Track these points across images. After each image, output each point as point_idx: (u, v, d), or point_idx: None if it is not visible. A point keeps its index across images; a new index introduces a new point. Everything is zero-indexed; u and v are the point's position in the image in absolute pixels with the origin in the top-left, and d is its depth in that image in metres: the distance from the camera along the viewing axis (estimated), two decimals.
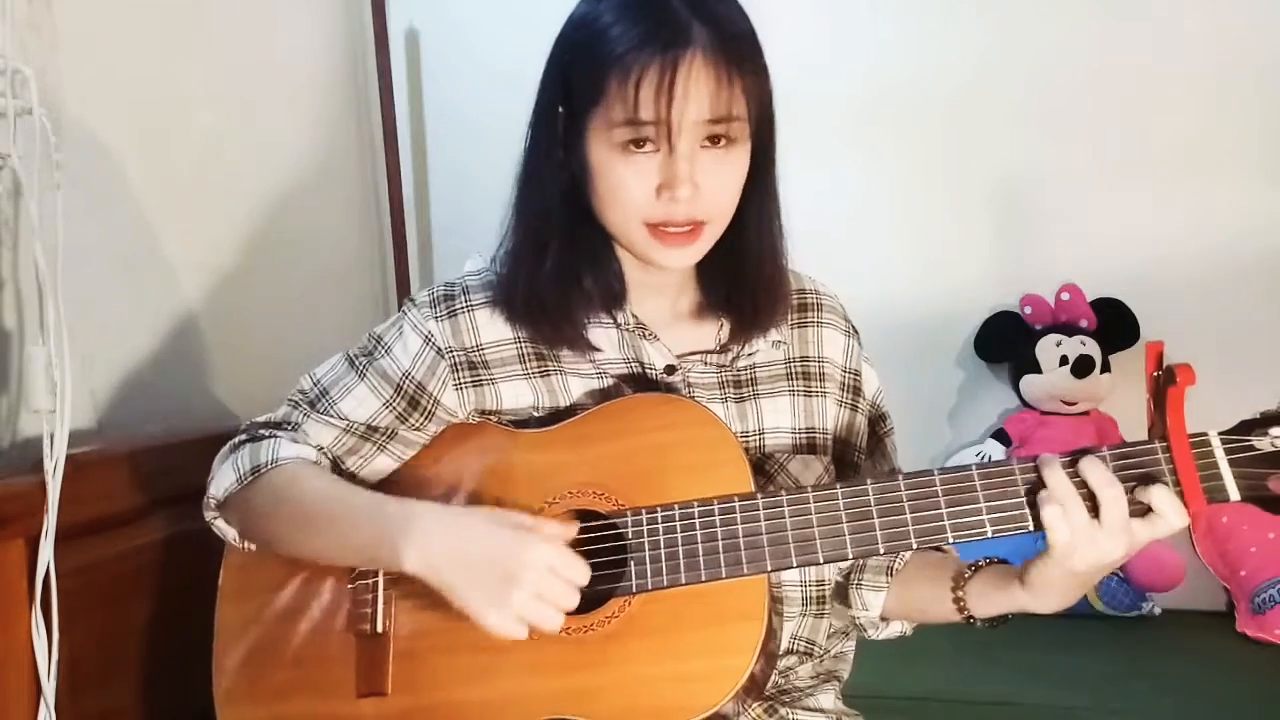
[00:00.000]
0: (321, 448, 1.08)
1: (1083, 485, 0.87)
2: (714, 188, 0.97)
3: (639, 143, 0.94)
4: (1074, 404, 2.08)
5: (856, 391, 1.14)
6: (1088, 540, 0.87)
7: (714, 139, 0.95)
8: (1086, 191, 2.10)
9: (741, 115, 0.95)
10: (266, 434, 1.08)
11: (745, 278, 1.05)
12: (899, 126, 2.16)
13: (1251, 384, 1.79)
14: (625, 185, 0.96)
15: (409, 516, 0.96)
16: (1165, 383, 0.87)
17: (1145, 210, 2.08)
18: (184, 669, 1.12)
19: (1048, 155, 2.12)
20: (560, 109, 0.99)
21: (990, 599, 1.00)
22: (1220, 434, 0.87)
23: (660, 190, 0.95)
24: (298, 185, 1.88)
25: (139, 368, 1.42)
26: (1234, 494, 0.86)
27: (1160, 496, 0.86)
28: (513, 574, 0.90)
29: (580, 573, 0.92)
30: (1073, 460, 0.88)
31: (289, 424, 1.09)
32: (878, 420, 1.17)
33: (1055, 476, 0.88)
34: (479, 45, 2.27)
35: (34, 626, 1.06)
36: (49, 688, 1.06)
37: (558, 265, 1.02)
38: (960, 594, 1.01)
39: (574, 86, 0.97)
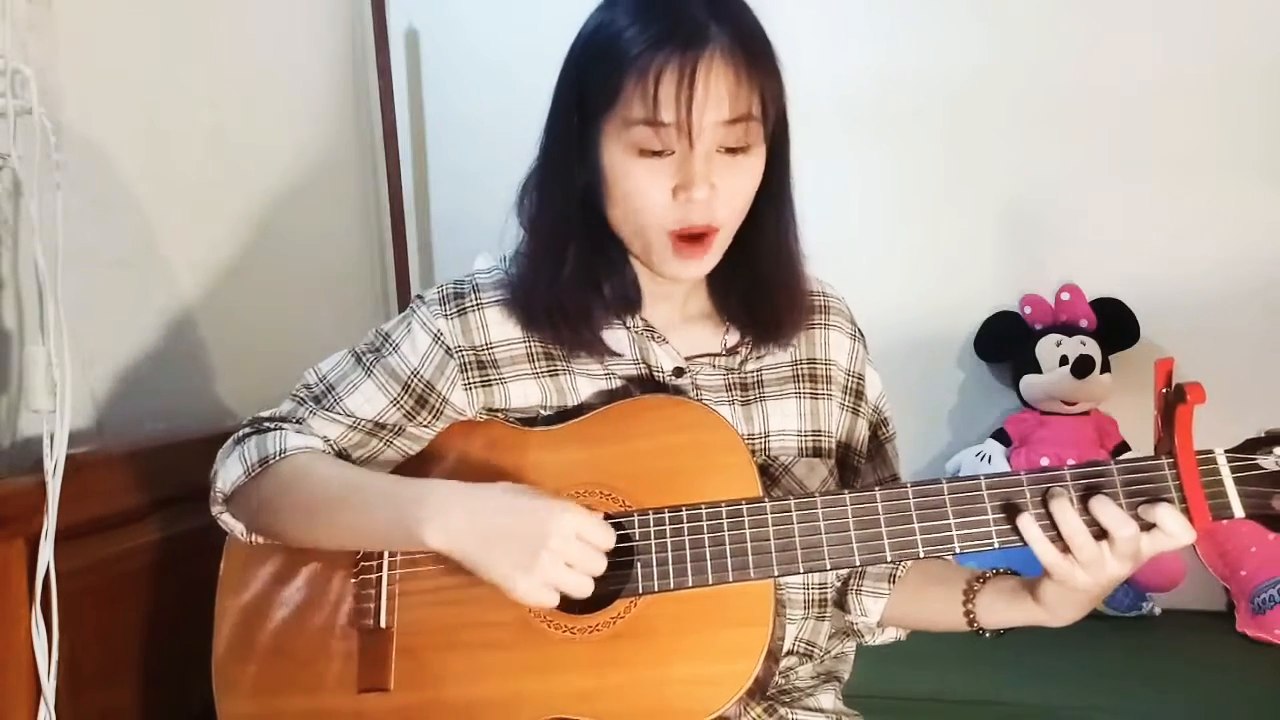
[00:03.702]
0: (328, 439, 1.07)
1: (1094, 523, 0.88)
2: (729, 192, 0.95)
3: (657, 151, 0.93)
4: (1074, 404, 2.08)
5: (859, 395, 1.14)
6: (1097, 568, 0.88)
7: (731, 150, 0.94)
8: (1087, 192, 2.10)
9: (758, 116, 0.94)
10: (272, 426, 1.07)
11: (762, 285, 1.04)
12: (900, 128, 2.16)
13: (1249, 383, 1.83)
14: (641, 190, 0.95)
15: (426, 494, 0.95)
16: (1174, 400, 0.87)
17: (1145, 210, 2.08)
18: (184, 669, 1.12)
19: (1048, 156, 2.11)
20: (575, 115, 0.98)
21: (1002, 612, 1.01)
22: (1226, 451, 0.88)
23: (677, 192, 0.94)
24: (298, 185, 1.88)
25: (139, 368, 1.42)
26: (1239, 511, 0.87)
27: (1167, 514, 0.86)
28: (540, 540, 0.89)
29: (606, 537, 0.91)
30: (1084, 496, 0.89)
31: (293, 419, 1.08)
32: (879, 425, 1.17)
33: (1064, 515, 0.88)
34: (479, 45, 2.26)
35: (34, 626, 1.06)
36: (49, 688, 1.06)
37: (576, 271, 1.01)
38: (970, 606, 1.02)
39: (588, 90, 0.96)
